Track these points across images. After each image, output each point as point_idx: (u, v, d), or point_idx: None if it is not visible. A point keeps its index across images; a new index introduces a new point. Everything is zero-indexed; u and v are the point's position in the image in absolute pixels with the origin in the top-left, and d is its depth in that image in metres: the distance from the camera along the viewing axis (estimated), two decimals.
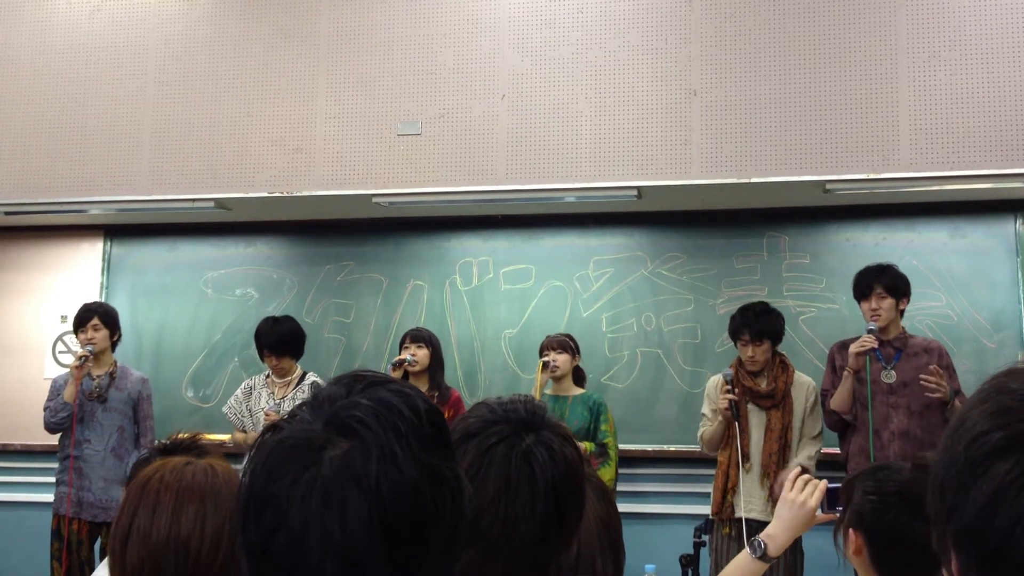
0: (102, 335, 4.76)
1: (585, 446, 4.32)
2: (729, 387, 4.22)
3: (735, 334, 4.39)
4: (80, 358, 4.63)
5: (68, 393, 4.64)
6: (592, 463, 4.33)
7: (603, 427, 4.45)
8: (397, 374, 4.44)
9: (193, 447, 1.55)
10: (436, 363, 4.69)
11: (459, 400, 4.68)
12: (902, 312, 4.30)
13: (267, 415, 4.65)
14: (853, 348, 4.16)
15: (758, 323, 4.31)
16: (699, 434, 4.46)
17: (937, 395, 4.05)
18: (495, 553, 1.23)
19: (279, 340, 4.72)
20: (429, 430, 0.94)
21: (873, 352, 4.15)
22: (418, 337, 4.68)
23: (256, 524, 0.91)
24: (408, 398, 0.95)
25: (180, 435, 1.58)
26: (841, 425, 4.29)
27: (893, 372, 4.20)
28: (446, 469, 0.94)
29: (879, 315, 4.22)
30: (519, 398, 1.36)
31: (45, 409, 4.70)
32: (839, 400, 4.23)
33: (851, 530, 2.15)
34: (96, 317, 4.76)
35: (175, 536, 1.39)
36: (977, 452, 0.80)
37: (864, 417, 4.17)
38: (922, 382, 4.06)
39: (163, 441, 1.60)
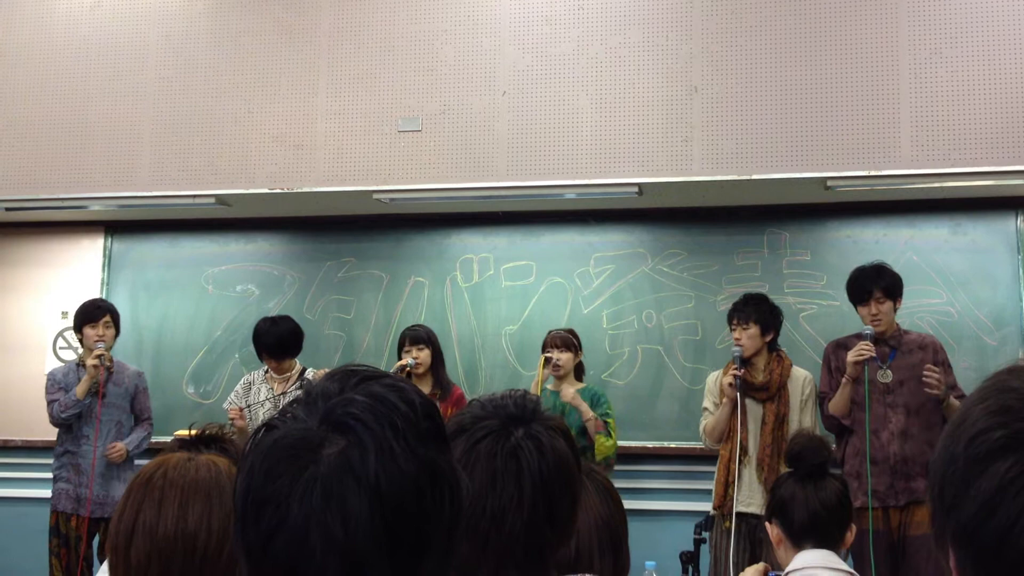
0: (111, 333, 4.78)
1: (593, 415, 4.37)
2: (737, 366, 4.21)
3: (728, 320, 4.41)
4: (99, 356, 4.63)
5: (81, 390, 4.64)
6: (597, 426, 4.36)
7: (606, 409, 4.47)
8: None
9: (217, 441, 1.54)
10: (438, 361, 4.68)
11: (462, 396, 4.66)
12: (896, 310, 4.29)
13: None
14: (851, 357, 4.10)
15: (747, 307, 4.34)
16: (701, 427, 4.44)
17: (935, 392, 4.02)
18: (485, 545, 1.25)
19: (277, 341, 4.72)
20: (425, 424, 0.94)
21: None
22: (417, 338, 4.66)
23: (255, 525, 0.90)
24: (402, 392, 0.94)
25: (207, 429, 1.56)
26: (839, 427, 4.26)
27: (889, 372, 4.16)
28: (443, 462, 0.94)
29: (879, 320, 4.17)
30: (510, 393, 1.37)
31: (53, 403, 4.69)
32: (838, 406, 4.19)
33: (768, 524, 2.32)
34: (108, 315, 4.78)
35: (182, 531, 1.39)
36: (977, 450, 0.80)
37: (861, 418, 4.14)
38: (924, 378, 4.03)
39: (190, 432, 1.57)
